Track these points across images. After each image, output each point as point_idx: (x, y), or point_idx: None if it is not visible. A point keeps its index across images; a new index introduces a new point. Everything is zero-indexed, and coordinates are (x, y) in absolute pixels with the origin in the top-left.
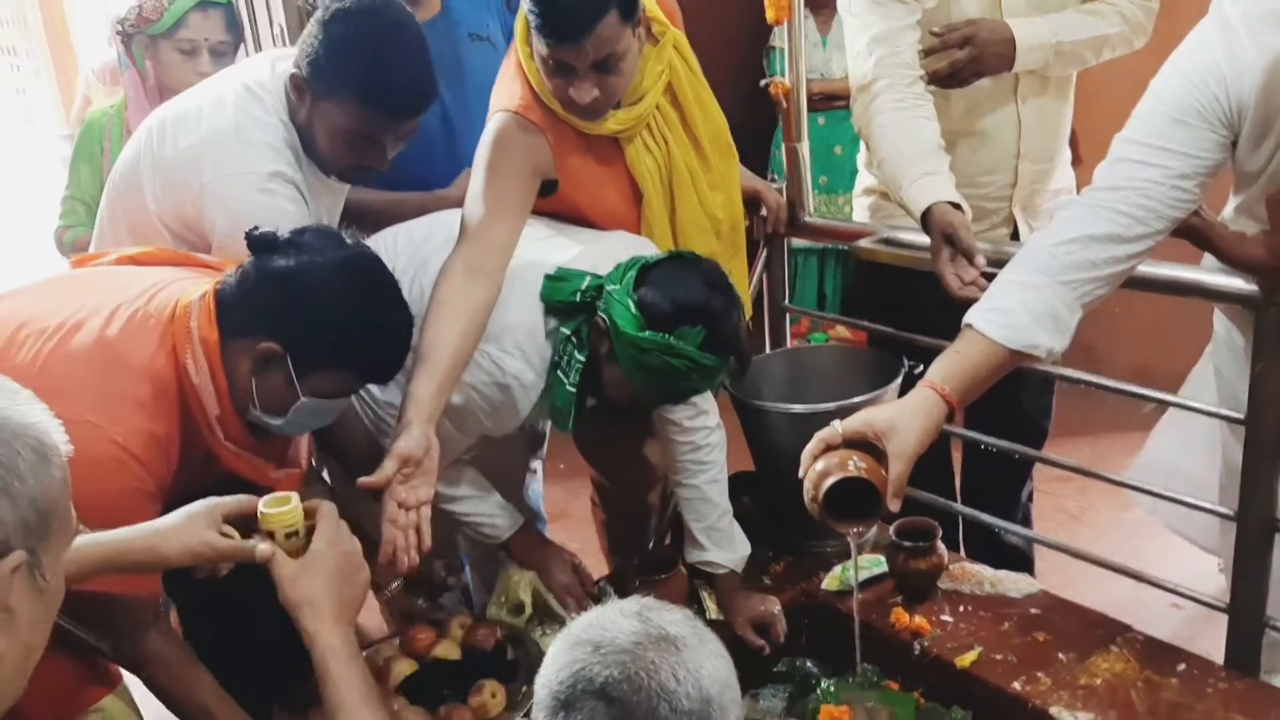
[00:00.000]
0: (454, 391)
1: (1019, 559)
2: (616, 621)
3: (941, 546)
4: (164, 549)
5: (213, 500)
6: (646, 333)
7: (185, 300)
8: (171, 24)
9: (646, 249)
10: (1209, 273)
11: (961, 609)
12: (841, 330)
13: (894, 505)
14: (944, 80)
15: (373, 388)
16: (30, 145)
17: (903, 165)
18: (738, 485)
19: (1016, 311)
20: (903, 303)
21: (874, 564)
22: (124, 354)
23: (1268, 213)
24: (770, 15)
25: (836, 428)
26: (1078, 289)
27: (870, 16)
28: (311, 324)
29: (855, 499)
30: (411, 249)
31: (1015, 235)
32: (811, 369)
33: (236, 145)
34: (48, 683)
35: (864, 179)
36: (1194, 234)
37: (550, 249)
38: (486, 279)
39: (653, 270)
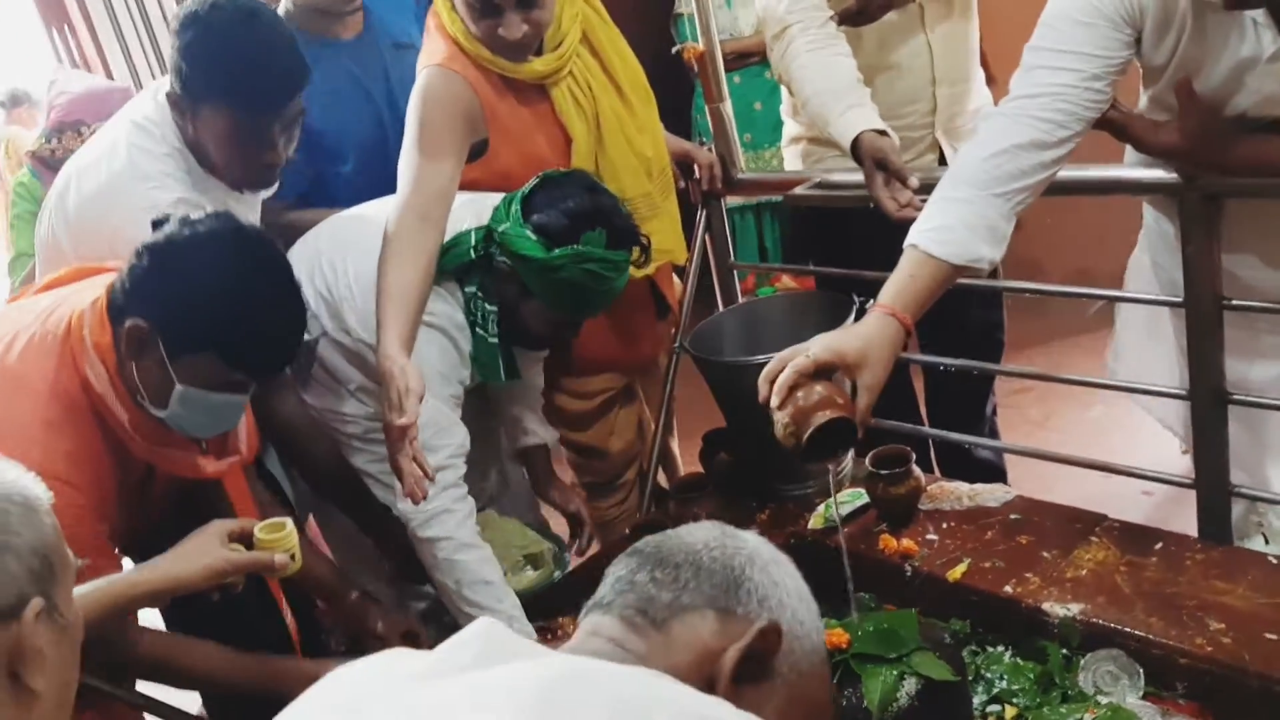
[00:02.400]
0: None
1: (992, 471)
2: (694, 530)
3: (917, 470)
4: (184, 573)
5: (214, 522)
6: (555, 251)
7: (79, 310)
8: None
9: (494, 200)
10: (1131, 168)
11: (944, 526)
12: (788, 280)
13: (859, 434)
14: (854, 18)
15: (333, 397)
16: None
17: (827, 101)
18: (712, 443)
19: (956, 228)
20: (842, 242)
21: (855, 496)
22: (25, 379)
23: (1176, 99)
24: None
25: (808, 355)
26: (1010, 199)
27: None
28: (176, 296)
29: (828, 432)
30: (307, 251)
31: (942, 160)
32: (767, 319)
33: (134, 183)
34: None
35: (790, 128)
36: (1113, 126)
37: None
38: (433, 225)
39: (533, 197)
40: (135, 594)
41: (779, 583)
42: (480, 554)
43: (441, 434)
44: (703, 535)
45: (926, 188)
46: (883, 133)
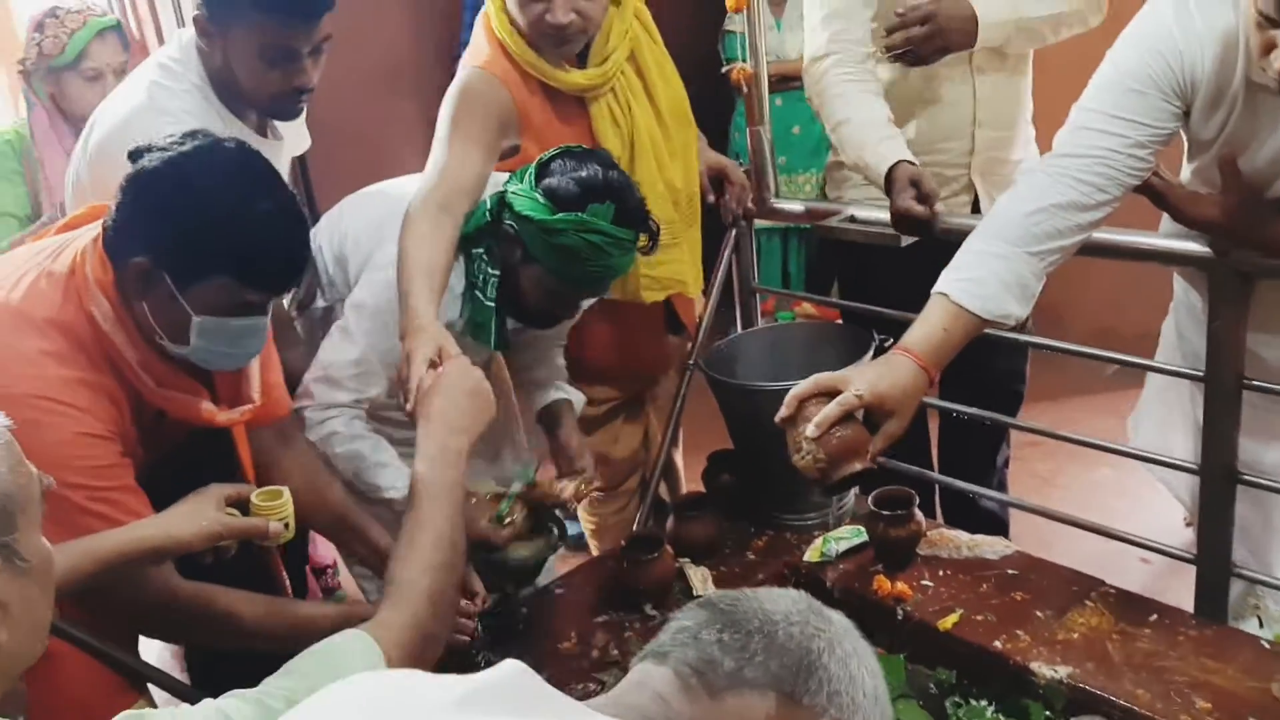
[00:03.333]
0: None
1: (994, 522)
2: (778, 598)
3: (919, 514)
4: (180, 533)
5: (212, 486)
6: (559, 214)
7: (82, 248)
8: (74, 56)
9: None
10: (1165, 238)
11: (941, 573)
12: (807, 307)
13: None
14: (906, 56)
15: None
16: None
17: (864, 129)
18: (717, 463)
19: (989, 281)
20: (867, 277)
21: (854, 534)
22: (27, 314)
23: (1220, 174)
24: (730, 2)
25: (858, 395)
26: (1044, 259)
27: None
28: (172, 225)
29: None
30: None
31: (975, 206)
32: (785, 346)
33: (152, 117)
34: (80, 693)
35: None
36: (1153, 193)
37: None
38: (452, 217)
39: (550, 163)
40: (141, 548)
41: (855, 679)
42: (372, 441)
43: (364, 378)
44: (785, 606)
45: (956, 233)
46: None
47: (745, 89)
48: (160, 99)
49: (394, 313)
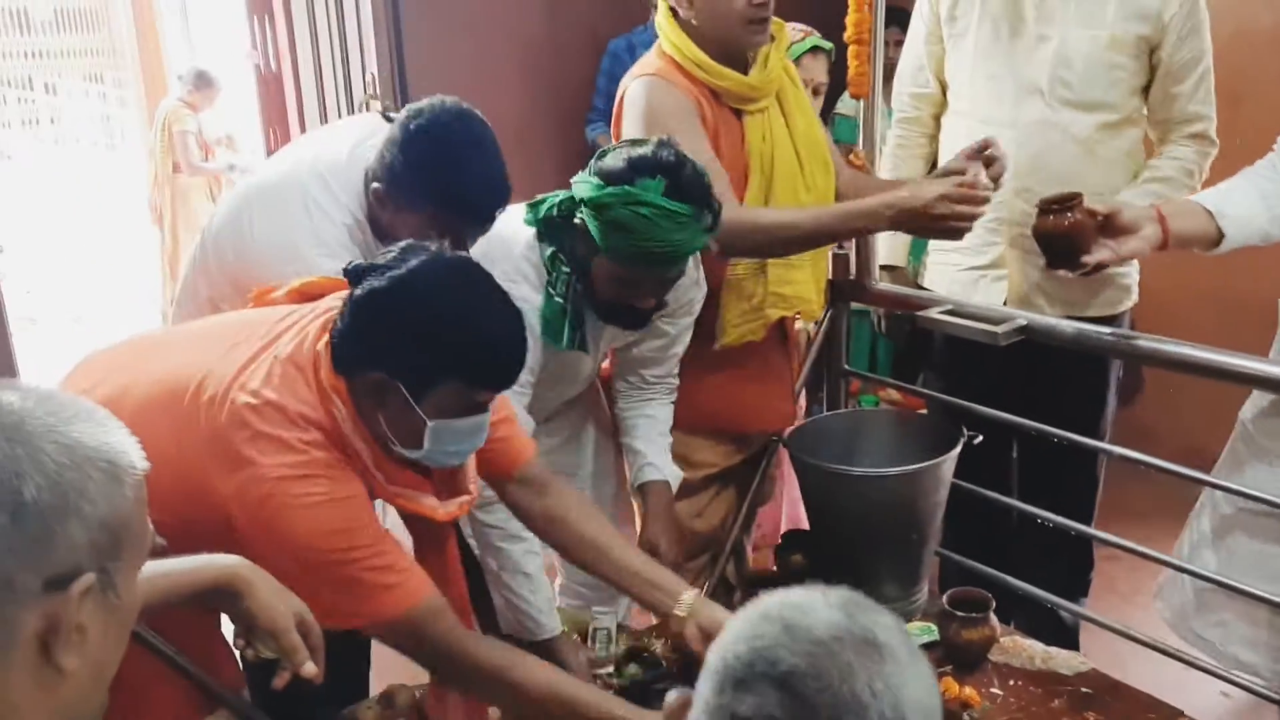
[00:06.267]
0: None
1: (1064, 633)
2: (817, 607)
3: (994, 618)
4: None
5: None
6: (607, 189)
7: (314, 346)
8: None
9: None
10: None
11: (1012, 683)
12: (893, 393)
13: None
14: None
15: None
16: (114, 169)
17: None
18: (791, 543)
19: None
20: (958, 371)
21: (925, 631)
22: (283, 407)
23: None
24: (851, 91)
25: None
26: None
27: None
28: (405, 339)
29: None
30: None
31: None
32: (870, 433)
33: (310, 244)
34: (155, 710)
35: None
36: None
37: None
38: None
39: (609, 151)
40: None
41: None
42: (525, 546)
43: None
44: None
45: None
46: None
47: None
48: (321, 228)
49: None
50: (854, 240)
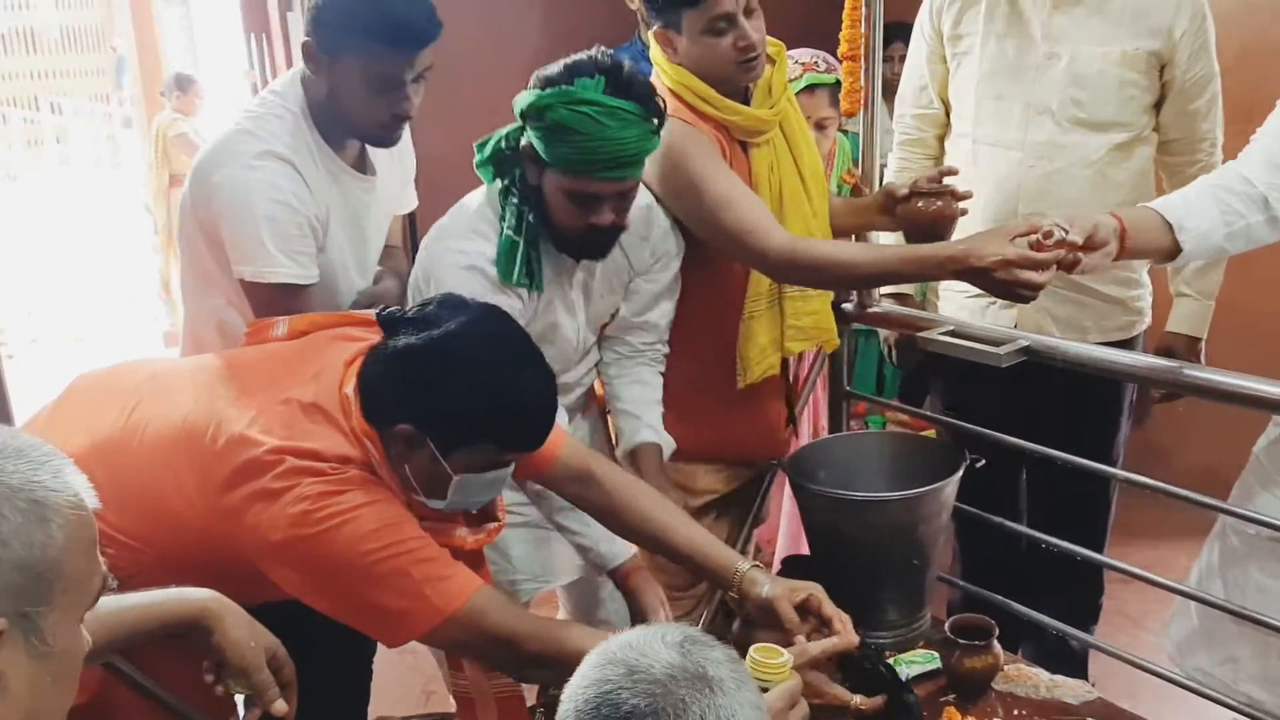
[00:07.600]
0: None
1: (1072, 658)
2: (656, 648)
3: (998, 646)
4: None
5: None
6: (545, 91)
7: (342, 390)
8: None
9: None
10: None
11: (1016, 712)
12: (900, 415)
13: None
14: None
15: None
16: (117, 189)
17: None
18: (791, 568)
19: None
20: (964, 395)
21: (927, 659)
22: (321, 454)
23: None
24: (844, 106)
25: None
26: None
27: None
28: (440, 402)
29: None
30: None
31: None
32: (872, 456)
33: (239, 139)
34: None
35: None
36: None
37: None
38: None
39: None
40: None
41: None
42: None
43: None
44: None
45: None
46: None
47: (857, 194)
48: (244, 123)
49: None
50: None
